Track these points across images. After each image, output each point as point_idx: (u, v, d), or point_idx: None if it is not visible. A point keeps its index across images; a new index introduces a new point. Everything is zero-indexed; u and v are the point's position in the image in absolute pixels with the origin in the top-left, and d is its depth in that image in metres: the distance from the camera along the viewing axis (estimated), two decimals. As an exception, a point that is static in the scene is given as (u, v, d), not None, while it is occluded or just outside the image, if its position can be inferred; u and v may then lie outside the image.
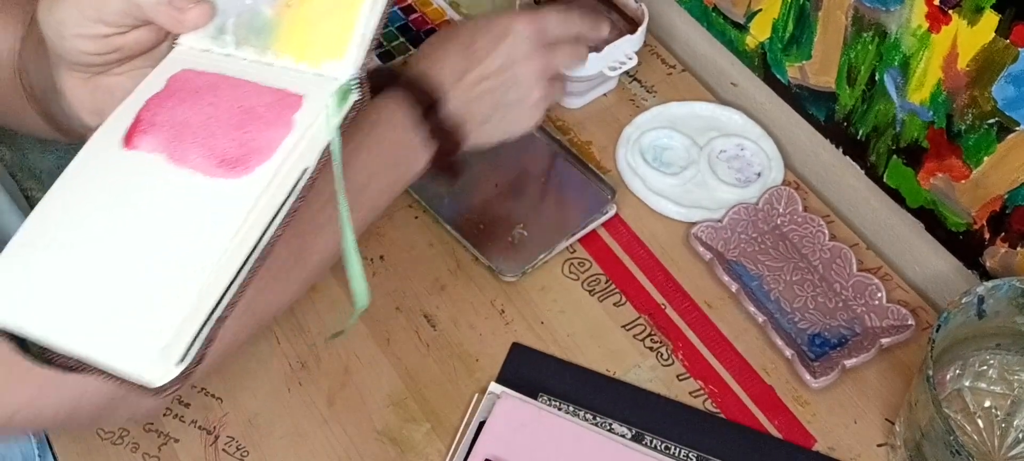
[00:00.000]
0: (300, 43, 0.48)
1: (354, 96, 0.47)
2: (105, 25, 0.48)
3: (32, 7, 0.61)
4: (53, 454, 0.69)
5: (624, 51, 0.85)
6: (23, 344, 0.43)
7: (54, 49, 0.50)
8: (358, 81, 0.47)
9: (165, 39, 0.51)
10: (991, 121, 0.65)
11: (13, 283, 0.43)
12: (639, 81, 0.92)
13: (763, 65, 0.85)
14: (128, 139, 0.46)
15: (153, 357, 0.39)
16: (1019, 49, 0.61)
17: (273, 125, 0.45)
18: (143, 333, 0.40)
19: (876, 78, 0.73)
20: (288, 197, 0.44)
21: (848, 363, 0.71)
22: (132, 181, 0.45)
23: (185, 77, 0.48)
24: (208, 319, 0.41)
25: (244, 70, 0.48)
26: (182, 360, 0.40)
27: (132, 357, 0.40)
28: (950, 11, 0.65)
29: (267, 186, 0.43)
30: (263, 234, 0.43)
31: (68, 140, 0.64)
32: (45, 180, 0.79)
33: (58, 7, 0.49)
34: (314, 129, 0.45)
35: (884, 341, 0.71)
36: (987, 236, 0.70)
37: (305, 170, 0.45)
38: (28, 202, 0.78)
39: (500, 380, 0.70)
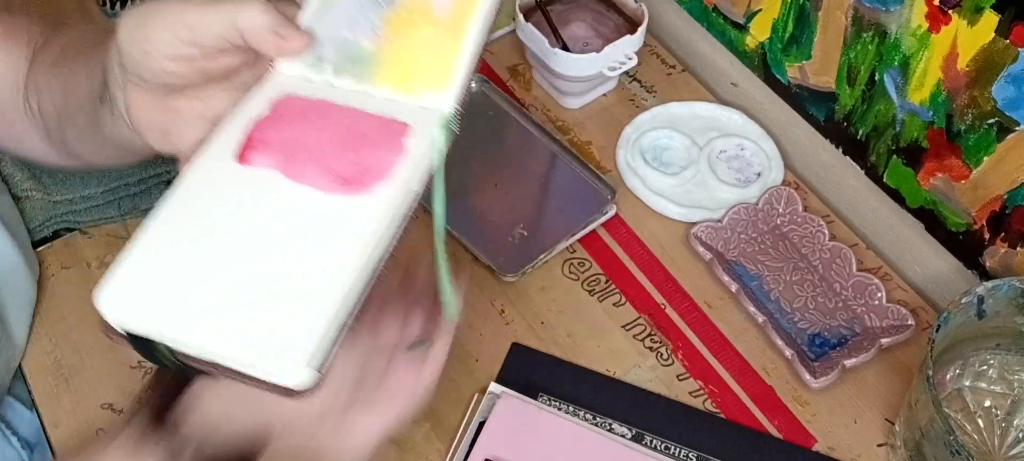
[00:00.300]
0: (401, 74, 0.50)
1: (454, 128, 0.49)
2: (198, 48, 0.48)
3: (38, 30, 0.60)
4: (52, 451, 0.69)
5: (624, 51, 0.85)
6: (148, 351, 0.43)
7: (134, 67, 0.49)
8: (457, 112, 0.49)
9: (249, 66, 0.51)
10: (991, 121, 0.65)
11: (142, 290, 0.43)
12: (639, 81, 0.92)
13: (763, 65, 0.85)
14: (242, 156, 0.47)
15: (299, 362, 0.40)
16: (1019, 49, 0.61)
17: (384, 149, 0.47)
18: (289, 338, 0.41)
19: (876, 78, 0.73)
20: (401, 224, 0.46)
21: (848, 363, 0.71)
22: (251, 194, 0.46)
23: (290, 102, 0.49)
24: (340, 328, 0.42)
25: (345, 98, 0.49)
26: (321, 366, 0.41)
27: (278, 362, 0.41)
28: (950, 11, 0.65)
29: (391, 204, 0.45)
30: (385, 250, 0.45)
31: (67, 164, 0.64)
32: (45, 181, 0.79)
33: (148, 25, 0.48)
34: (424, 156, 0.47)
35: (884, 341, 0.72)
36: (987, 236, 0.70)
37: (416, 194, 0.47)
38: (18, 202, 0.78)
39: (500, 380, 0.70)
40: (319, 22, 0.51)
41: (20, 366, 0.72)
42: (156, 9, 0.48)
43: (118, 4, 0.94)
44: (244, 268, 0.43)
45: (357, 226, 0.44)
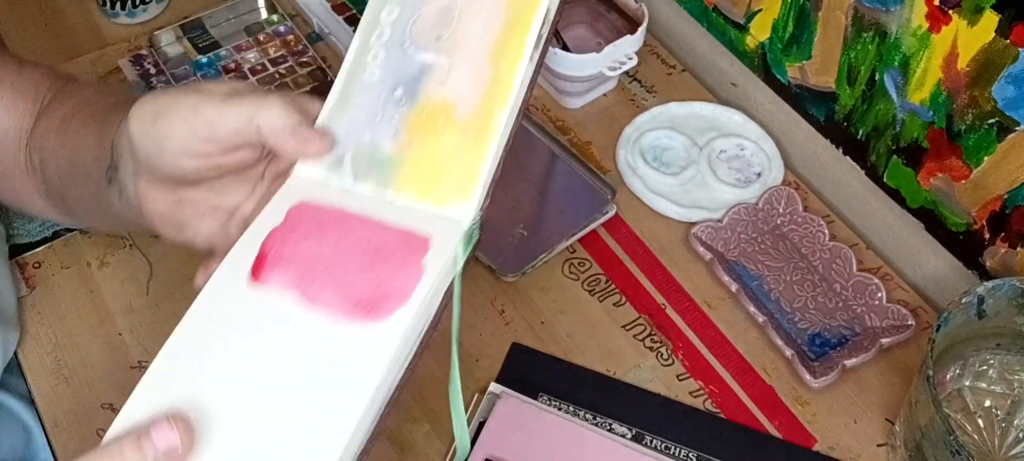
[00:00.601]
0: (423, 182, 0.48)
1: (476, 236, 0.47)
2: (214, 144, 0.47)
3: (47, 85, 0.59)
4: (52, 451, 0.69)
5: (624, 51, 0.85)
6: None
7: (147, 160, 0.48)
8: (480, 221, 0.47)
9: (265, 158, 0.50)
10: (991, 121, 0.65)
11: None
12: (639, 81, 0.92)
13: (763, 65, 0.85)
14: (256, 272, 0.45)
15: None
16: (1019, 49, 0.61)
17: (403, 267, 0.45)
18: None
19: (876, 78, 0.73)
20: (419, 342, 0.44)
21: (848, 363, 0.71)
22: (264, 322, 0.44)
23: (305, 210, 0.47)
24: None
25: (364, 207, 0.47)
26: None
27: None
28: (950, 11, 0.65)
29: (406, 331, 0.43)
30: (399, 378, 0.43)
31: (64, 221, 0.63)
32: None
33: (164, 121, 0.47)
34: (443, 274, 0.45)
35: (884, 341, 0.72)
36: (987, 236, 0.70)
37: (433, 315, 0.45)
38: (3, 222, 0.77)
39: (500, 380, 0.70)
40: (338, 119, 0.49)
41: (18, 365, 0.72)
42: (171, 103, 0.47)
43: (117, 4, 0.94)
44: (256, 401, 0.42)
45: (371, 358, 0.42)
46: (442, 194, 0.47)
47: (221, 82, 0.49)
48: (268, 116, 0.46)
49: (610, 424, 0.68)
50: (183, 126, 0.47)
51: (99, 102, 0.57)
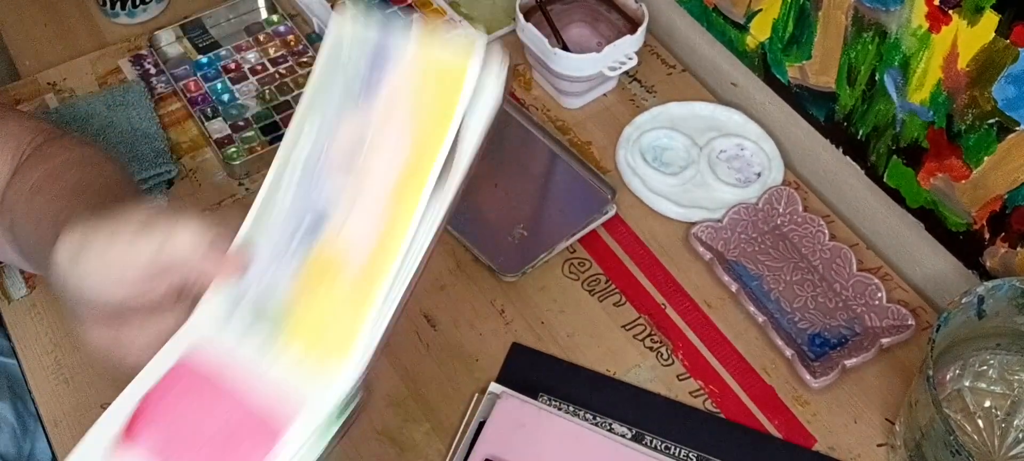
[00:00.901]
0: (310, 335, 0.46)
1: (356, 401, 0.45)
2: (133, 276, 0.46)
3: (29, 138, 0.58)
4: (52, 451, 0.69)
5: (624, 51, 0.85)
6: None
7: (76, 298, 0.48)
8: (360, 384, 0.45)
9: (187, 293, 0.49)
10: (991, 121, 0.65)
11: None
12: (639, 81, 0.92)
13: (763, 65, 0.85)
14: (128, 430, 0.45)
15: None
16: (1019, 49, 0.61)
17: (254, 455, 0.43)
18: None
19: (876, 78, 0.73)
20: None
21: (848, 363, 0.71)
22: None
23: (187, 366, 0.46)
24: None
25: (241, 369, 0.46)
26: None
27: None
28: (950, 11, 0.65)
29: None
30: None
31: (40, 274, 0.62)
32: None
33: (83, 259, 0.47)
34: (305, 450, 0.43)
35: (884, 341, 0.72)
36: (987, 236, 0.70)
37: None
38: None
39: (500, 380, 0.70)
40: (252, 241, 0.48)
41: (18, 366, 0.72)
42: (89, 238, 0.47)
43: (118, 4, 0.94)
44: None
45: None
46: (325, 352, 0.45)
47: (138, 210, 0.48)
48: (176, 246, 0.46)
49: (610, 424, 0.68)
50: (98, 267, 0.46)
51: (66, 178, 0.55)
